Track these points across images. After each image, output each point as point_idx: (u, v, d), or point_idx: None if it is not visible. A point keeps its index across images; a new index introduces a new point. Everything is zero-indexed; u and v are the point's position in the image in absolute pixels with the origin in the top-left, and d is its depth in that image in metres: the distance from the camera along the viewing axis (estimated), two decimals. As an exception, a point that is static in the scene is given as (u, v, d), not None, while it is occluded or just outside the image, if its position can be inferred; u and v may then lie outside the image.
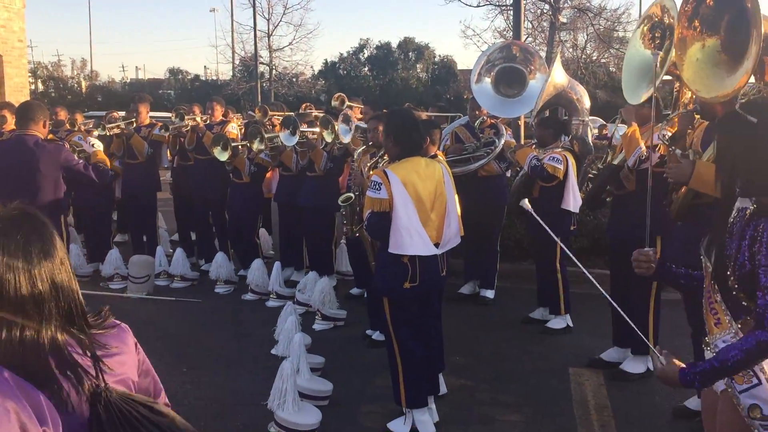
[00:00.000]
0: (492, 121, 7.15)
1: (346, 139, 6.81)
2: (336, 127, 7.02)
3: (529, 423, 4.47)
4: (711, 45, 3.64)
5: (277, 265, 7.26)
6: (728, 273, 2.31)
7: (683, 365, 2.39)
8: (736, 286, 2.29)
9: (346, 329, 6.32)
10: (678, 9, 3.78)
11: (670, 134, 4.40)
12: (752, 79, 3.78)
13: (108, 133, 8.29)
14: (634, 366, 5.16)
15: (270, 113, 9.55)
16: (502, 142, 7.01)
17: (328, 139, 7.06)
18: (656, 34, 4.26)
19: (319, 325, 6.31)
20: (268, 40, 32.71)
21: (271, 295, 7.10)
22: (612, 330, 5.43)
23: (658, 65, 4.04)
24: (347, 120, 6.83)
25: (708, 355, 2.47)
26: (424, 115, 7.19)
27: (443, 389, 4.77)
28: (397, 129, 4.27)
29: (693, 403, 4.43)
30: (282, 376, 4.32)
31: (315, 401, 4.56)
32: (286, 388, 4.28)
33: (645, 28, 4.30)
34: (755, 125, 2.29)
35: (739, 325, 2.33)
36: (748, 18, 3.41)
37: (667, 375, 2.42)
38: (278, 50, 33.44)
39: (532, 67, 6.90)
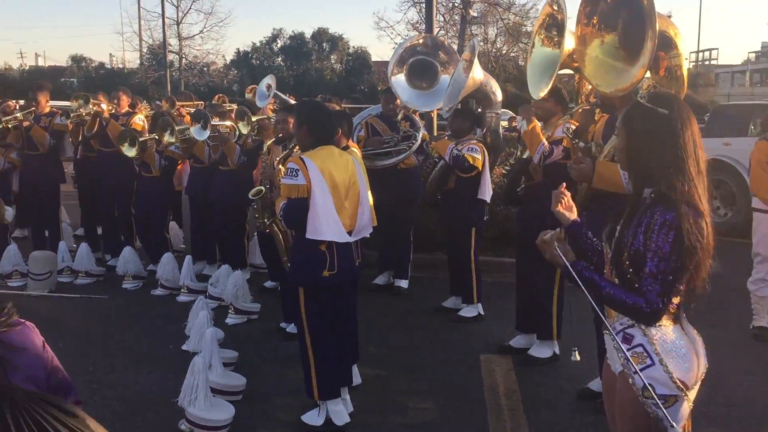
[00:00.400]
0: (406, 113, 7.22)
1: (261, 103, 6.74)
2: (252, 119, 6.93)
3: (441, 410, 4.56)
4: (609, 41, 3.81)
5: (188, 259, 7.10)
6: (624, 257, 2.43)
7: (573, 261, 2.50)
8: (631, 270, 2.41)
9: (259, 322, 6.26)
10: (566, 4, 3.98)
11: (573, 127, 4.57)
12: (648, 74, 3.98)
13: (3, 126, 7.87)
14: (540, 351, 5.34)
15: (178, 104, 9.31)
16: (421, 134, 7.11)
17: (244, 131, 6.95)
18: (553, 33, 4.43)
19: (231, 319, 6.22)
20: (178, 27, 31.83)
21: (182, 290, 6.94)
22: (516, 317, 5.60)
23: (557, 67, 4.23)
24: (269, 86, 6.78)
25: (608, 340, 2.58)
26: (336, 106, 7.20)
27: (357, 380, 4.80)
28: (309, 119, 4.28)
29: (595, 384, 4.63)
30: (193, 372, 4.23)
31: (228, 396, 4.49)
32: (197, 384, 4.20)
33: (542, 34, 4.50)
34: (667, 116, 2.39)
35: None
36: (644, 16, 3.58)
37: (555, 259, 2.53)
38: (188, 38, 32.59)
39: (445, 61, 7.01)
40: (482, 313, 6.40)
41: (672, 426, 2.28)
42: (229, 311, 6.28)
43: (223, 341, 5.38)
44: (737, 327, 6.05)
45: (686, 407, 2.39)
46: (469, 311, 6.39)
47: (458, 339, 5.89)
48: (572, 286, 2.50)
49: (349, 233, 4.27)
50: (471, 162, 6.11)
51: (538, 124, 5.00)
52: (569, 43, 4.19)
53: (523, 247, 5.50)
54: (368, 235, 4.60)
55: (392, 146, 6.98)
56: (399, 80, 6.97)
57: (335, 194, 4.15)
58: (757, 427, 4.38)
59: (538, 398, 4.72)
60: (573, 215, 2.81)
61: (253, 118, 6.95)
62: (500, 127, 6.77)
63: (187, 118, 8.61)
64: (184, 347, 5.46)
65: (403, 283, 7.25)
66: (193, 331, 5.47)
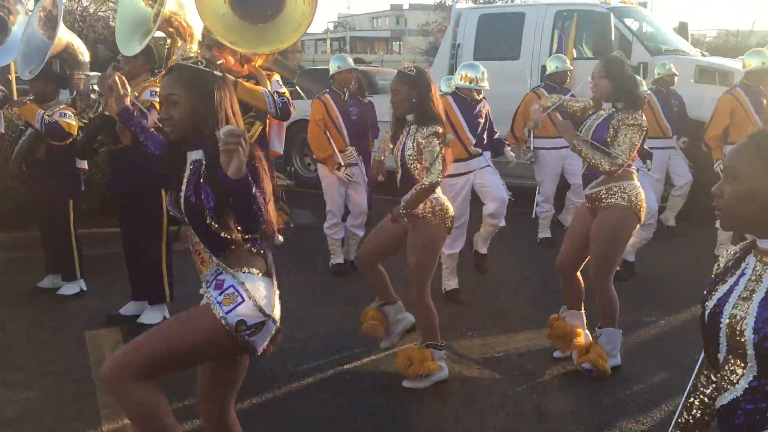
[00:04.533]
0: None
1: None
2: None
3: (48, 396, 4.21)
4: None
5: None
6: (204, 217, 2.53)
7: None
8: (215, 225, 2.51)
9: None
10: None
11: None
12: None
13: None
14: (151, 317, 5.26)
15: None
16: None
17: None
18: None
19: None
20: None
21: None
22: (130, 286, 5.46)
23: (154, 26, 4.15)
24: None
25: (203, 288, 2.64)
26: None
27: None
28: None
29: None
30: None
31: None
32: None
33: None
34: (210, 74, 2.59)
35: (220, 259, 2.59)
36: None
37: None
38: None
39: (10, 10, 6.28)
40: (84, 288, 6.04)
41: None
42: None
43: None
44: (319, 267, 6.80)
45: (272, 327, 2.58)
46: (70, 288, 5.98)
47: (61, 319, 5.48)
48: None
49: None
50: (67, 129, 5.70)
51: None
52: (170, 4, 4.13)
53: (124, 214, 5.36)
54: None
55: (-45, 113, 6.09)
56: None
57: None
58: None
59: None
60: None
61: None
62: (90, 89, 6.40)
63: None
64: None
65: (-11, 268, 6.46)
66: None
